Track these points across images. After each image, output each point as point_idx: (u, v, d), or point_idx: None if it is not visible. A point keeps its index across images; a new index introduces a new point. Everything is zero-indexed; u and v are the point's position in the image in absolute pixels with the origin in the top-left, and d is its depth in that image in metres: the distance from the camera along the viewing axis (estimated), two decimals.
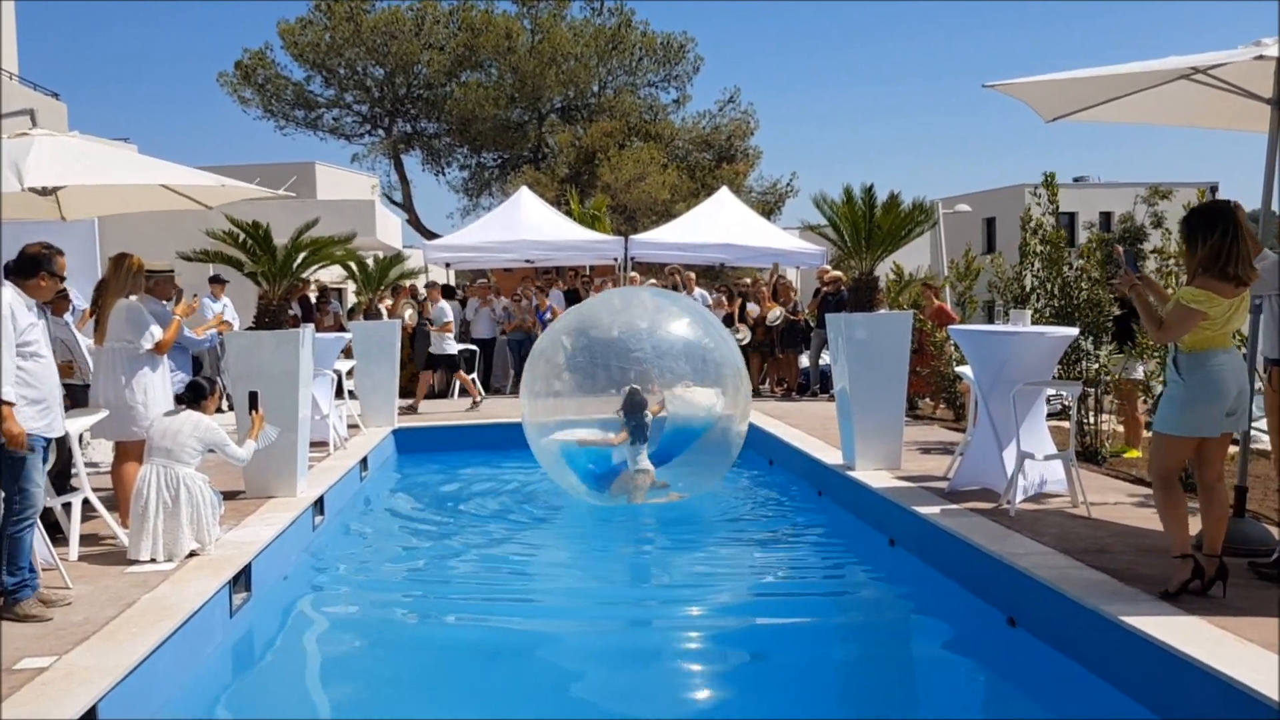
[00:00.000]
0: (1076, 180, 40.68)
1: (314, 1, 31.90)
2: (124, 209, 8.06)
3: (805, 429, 9.67)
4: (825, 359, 12.63)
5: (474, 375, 13.96)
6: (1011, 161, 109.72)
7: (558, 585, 6.09)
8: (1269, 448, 7.70)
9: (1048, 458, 6.25)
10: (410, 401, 12.05)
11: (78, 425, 5.48)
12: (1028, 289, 8.65)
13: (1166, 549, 4.90)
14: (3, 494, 4.31)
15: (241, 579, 5.10)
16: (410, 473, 9.56)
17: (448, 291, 15.16)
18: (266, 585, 5.43)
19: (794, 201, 33.77)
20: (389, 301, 13.34)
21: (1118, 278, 4.53)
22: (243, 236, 6.85)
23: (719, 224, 16.00)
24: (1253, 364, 5.09)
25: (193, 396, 5.65)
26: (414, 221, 34.59)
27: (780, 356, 13.55)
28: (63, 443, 5.31)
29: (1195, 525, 4.46)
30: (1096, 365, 8.07)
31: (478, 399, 12.37)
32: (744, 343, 12.49)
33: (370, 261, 11.46)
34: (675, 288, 13.42)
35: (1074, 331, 6.80)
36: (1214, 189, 29.14)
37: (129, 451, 5.89)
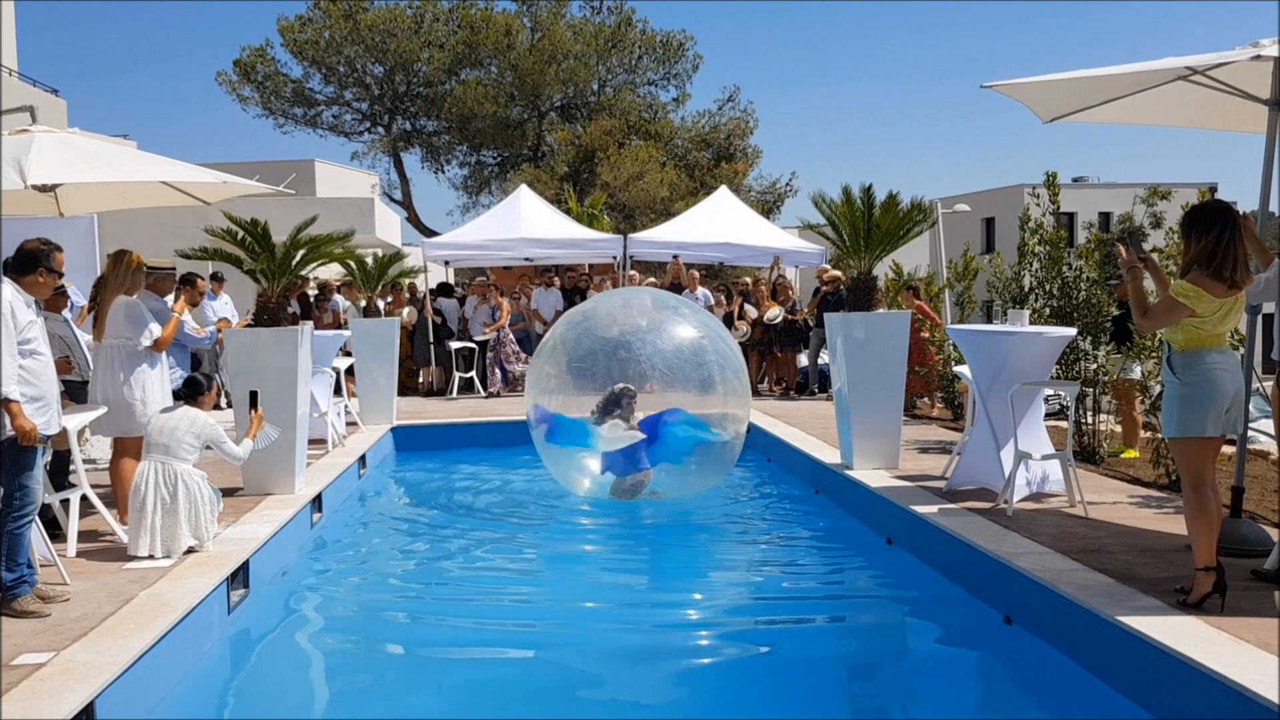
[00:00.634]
0: (1076, 180, 40.72)
1: None
2: (123, 205, 8.06)
3: (804, 428, 9.68)
4: (824, 358, 12.64)
5: (472, 373, 13.99)
6: (1011, 161, 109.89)
7: (555, 584, 6.09)
8: (1265, 448, 7.73)
9: (1045, 457, 6.26)
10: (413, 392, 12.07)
11: (76, 422, 5.48)
12: (1026, 289, 8.66)
13: (1164, 549, 4.91)
14: (2, 490, 4.31)
15: (239, 576, 5.11)
16: (409, 470, 9.57)
17: (446, 290, 15.19)
18: (264, 582, 5.44)
19: (793, 201, 33.80)
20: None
21: (1121, 262, 4.51)
22: (242, 234, 6.86)
23: (718, 223, 15.99)
24: (1249, 365, 5.10)
25: (190, 392, 5.65)
26: (413, 219, 34.60)
27: (779, 356, 13.56)
28: (60, 439, 5.32)
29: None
30: (1095, 365, 8.08)
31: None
32: (743, 341, 12.51)
33: (369, 259, 11.48)
34: (674, 287, 13.43)
35: (1072, 331, 6.80)
36: (1213, 189, 29.16)
37: (127, 448, 5.89)
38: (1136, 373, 7.91)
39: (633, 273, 15.39)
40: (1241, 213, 4.38)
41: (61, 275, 4.82)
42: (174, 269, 6.87)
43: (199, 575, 4.83)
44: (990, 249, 35.89)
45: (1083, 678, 4.11)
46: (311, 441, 7.73)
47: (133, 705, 3.69)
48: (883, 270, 11.24)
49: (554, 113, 34.12)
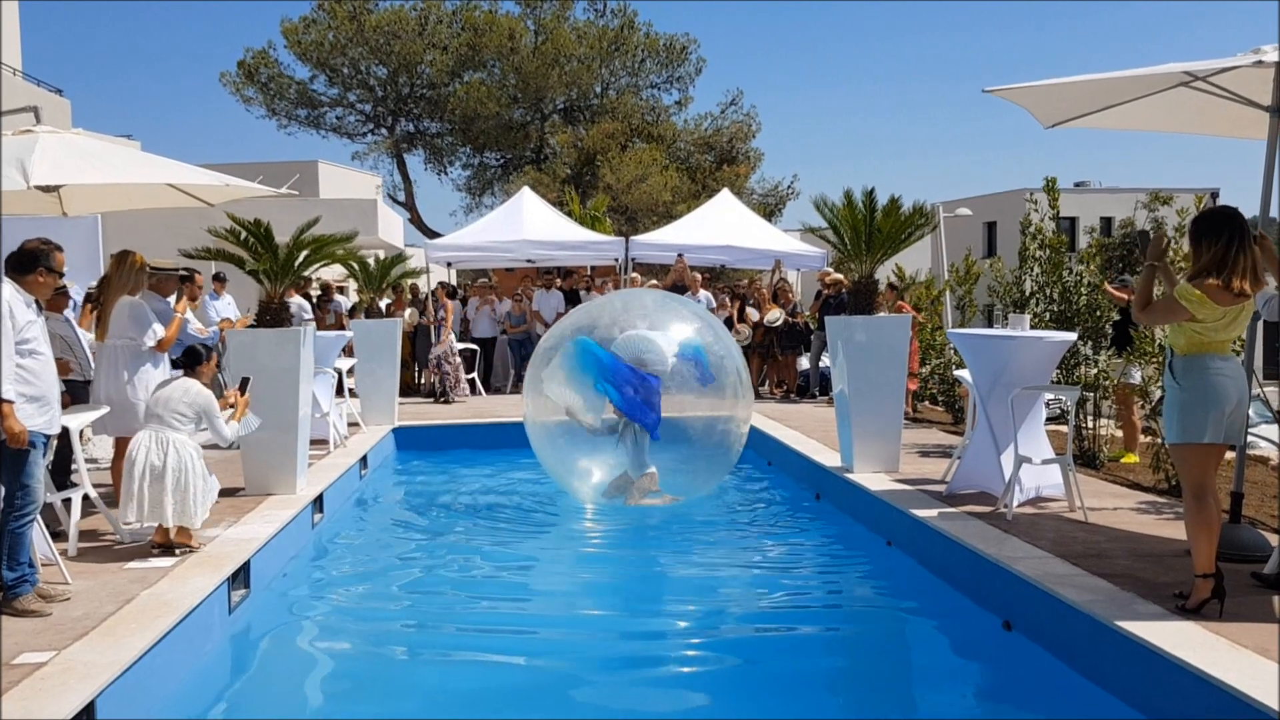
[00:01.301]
0: (1077, 185, 40.66)
1: (317, 1, 31.96)
2: (126, 205, 8.07)
3: (804, 431, 9.68)
4: (825, 361, 12.64)
5: (474, 374, 14.01)
6: (1013, 166, 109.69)
7: (555, 586, 6.10)
8: (1264, 454, 7.73)
9: (1045, 462, 6.26)
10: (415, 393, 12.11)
11: (78, 421, 5.50)
12: (1027, 293, 8.67)
13: (1163, 554, 4.91)
14: (3, 490, 4.33)
15: (240, 576, 5.12)
16: (410, 471, 9.58)
17: (449, 291, 15.20)
18: (265, 582, 5.45)
19: (795, 204, 33.90)
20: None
21: (1150, 250, 4.52)
22: (244, 234, 6.87)
23: (720, 226, 16.02)
24: (1250, 370, 5.10)
25: (189, 361, 5.69)
26: (416, 220, 34.67)
27: (780, 358, 13.57)
28: (61, 438, 5.33)
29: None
30: (1095, 370, 8.08)
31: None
32: (744, 343, 12.52)
33: (372, 261, 11.49)
34: (676, 288, 13.44)
35: (1073, 336, 6.81)
36: (1214, 195, 29.16)
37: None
38: (1137, 377, 7.91)
39: (634, 275, 15.40)
40: (1259, 232, 4.36)
41: (62, 275, 4.81)
42: (177, 270, 6.88)
43: (200, 575, 4.84)
44: (992, 253, 35.88)
45: (1081, 682, 4.11)
46: (313, 442, 7.74)
47: (133, 705, 3.70)
48: (885, 274, 11.26)
49: (557, 115, 34.18)
